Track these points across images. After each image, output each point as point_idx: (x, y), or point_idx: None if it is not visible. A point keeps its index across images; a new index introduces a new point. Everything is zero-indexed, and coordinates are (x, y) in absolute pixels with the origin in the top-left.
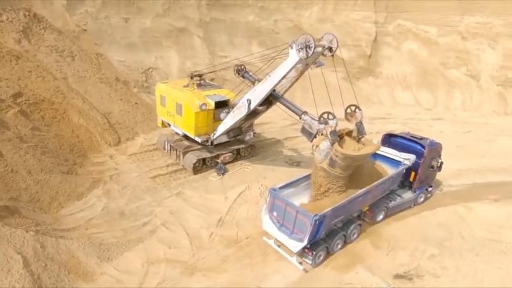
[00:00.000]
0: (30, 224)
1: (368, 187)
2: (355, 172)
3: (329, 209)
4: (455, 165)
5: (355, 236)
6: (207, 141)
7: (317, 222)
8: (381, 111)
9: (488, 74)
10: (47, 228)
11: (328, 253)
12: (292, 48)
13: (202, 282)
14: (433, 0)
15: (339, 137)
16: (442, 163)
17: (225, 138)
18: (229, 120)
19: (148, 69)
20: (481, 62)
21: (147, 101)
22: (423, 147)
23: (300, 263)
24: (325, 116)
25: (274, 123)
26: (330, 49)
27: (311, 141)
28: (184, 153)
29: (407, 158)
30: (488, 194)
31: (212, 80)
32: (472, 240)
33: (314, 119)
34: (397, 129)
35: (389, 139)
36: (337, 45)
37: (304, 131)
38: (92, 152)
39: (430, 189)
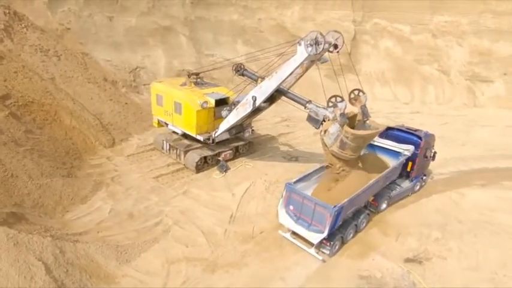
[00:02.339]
0: (40, 230)
1: (379, 176)
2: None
3: (346, 199)
4: (440, 154)
5: (364, 225)
6: (209, 139)
7: (336, 213)
8: None
9: (457, 70)
10: (58, 234)
11: (343, 242)
12: (300, 45)
13: (226, 279)
14: None
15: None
16: (435, 153)
17: (226, 136)
18: (233, 117)
19: (136, 68)
20: (450, 58)
21: (137, 101)
22: (419, 138)
23: (317, 253)
24: (334, 99)
25: (265, 120)
26: (335, 46)
27: (318, 127)
28: (186, 152)
29: (406, 149)
30: (475, 180)
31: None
32: (468, 223)
33: (319, 106)
34: (382, 123)
35: (386, 132)
36: (344, 42)
37: (310, 119)
38: (88, 154)
39: (424, 177)
